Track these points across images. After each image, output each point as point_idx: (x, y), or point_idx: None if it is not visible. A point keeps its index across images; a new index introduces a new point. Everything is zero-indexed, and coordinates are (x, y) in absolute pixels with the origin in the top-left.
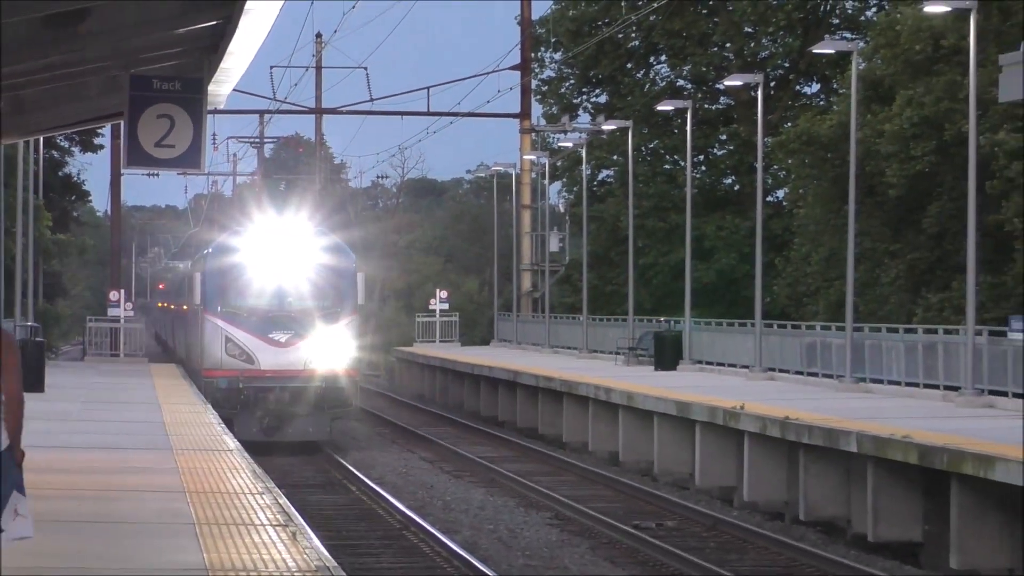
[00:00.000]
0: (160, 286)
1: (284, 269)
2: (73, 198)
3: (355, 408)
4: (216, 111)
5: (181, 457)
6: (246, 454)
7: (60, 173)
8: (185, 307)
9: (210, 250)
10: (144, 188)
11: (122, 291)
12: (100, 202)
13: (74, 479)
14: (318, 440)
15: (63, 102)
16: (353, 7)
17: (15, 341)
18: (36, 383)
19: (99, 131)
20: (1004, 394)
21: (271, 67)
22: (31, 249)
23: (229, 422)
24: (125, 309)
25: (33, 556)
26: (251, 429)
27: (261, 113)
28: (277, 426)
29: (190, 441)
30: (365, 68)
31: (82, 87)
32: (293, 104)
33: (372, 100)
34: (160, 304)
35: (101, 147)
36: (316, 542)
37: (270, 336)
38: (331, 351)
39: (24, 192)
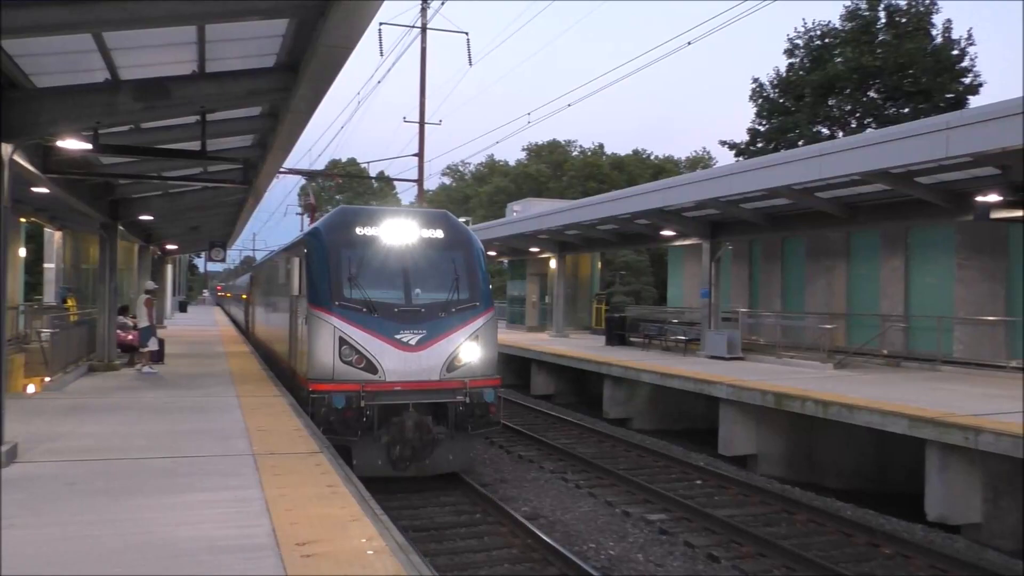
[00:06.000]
0: (218, 288)
1: (412, 253)
2: (195, 270)
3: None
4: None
5: (221, 329)
6: (247, 339)
7: (191, 263)
8: (244, 296)
9: (316, 228)
10: (212, 265)
11: (205, 290)
12: (202, 267)
13: (191, 336)
14: (459, 470)
15: (191, 246)
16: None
17: (154, 297)
18: (184, 312)
19: (201, 252)
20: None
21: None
22: (184, 279)
23: (345, 451)
24: (207, 295)
25: (175, 365)
26: (376, 461)
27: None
28: (410, 456)
29: (225, 326)
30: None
31: (197, 246)
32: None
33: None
34: (219, 293)
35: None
36: (271, 374)
37: (397, 338)
38: (472, 355)
39: (186, 267)
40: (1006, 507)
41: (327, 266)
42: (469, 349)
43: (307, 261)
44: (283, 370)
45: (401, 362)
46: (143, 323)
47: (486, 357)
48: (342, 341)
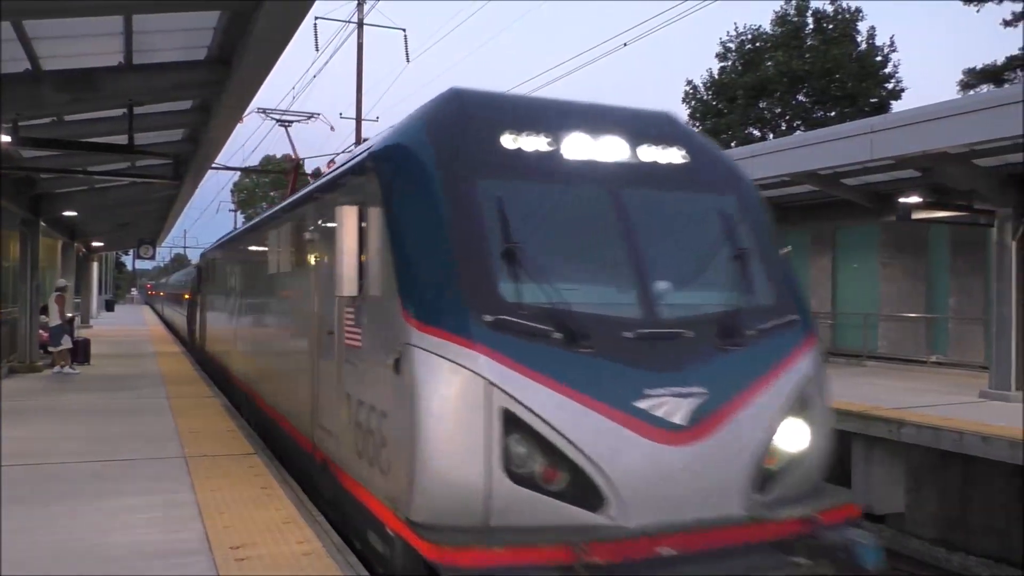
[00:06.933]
0: (147, 286)
1: (633, 195)
2: (123, 268)
3: None
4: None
5: (151, 328)
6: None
7: (118, 260)
8: (187, 295)
9: (399, 143)
10: (141, 263)
11: (134, 289)
12: (130, 266)
13: (118, 336)
14: None
15: (119, 244)
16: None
17: (65, 295)
18: (111, 311)
19: (129, 250)
20: None
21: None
22: (111, 277)
23: None
24: (135, 293)
25: (101, 365)
26: None
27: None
28: None
29: (155, 325)
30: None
31: (125, 243)
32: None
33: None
34: (148, 292)
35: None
36: (203, 374)
37: (641, 407)
38: (803, 444)
39: (113, 265)
40: (927, 497)
41: (447, 224)
42: (797, 430)
43: (391, 214)
44: (296, 449)
45: (658, 473)
46: (54, 322)
47: (821, 448)
48: (511, 421)
